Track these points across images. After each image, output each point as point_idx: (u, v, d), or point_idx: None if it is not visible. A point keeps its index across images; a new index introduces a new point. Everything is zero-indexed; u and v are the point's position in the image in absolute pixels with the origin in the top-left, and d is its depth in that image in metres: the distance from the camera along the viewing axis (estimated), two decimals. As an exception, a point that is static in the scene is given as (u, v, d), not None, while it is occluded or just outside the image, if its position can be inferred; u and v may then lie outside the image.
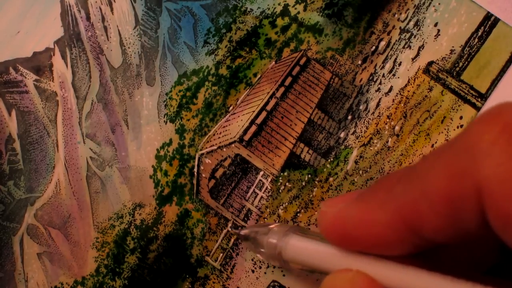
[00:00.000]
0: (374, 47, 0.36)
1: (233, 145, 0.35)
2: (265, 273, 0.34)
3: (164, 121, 0.35)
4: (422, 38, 0.35)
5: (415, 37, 0.35)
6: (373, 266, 0.20)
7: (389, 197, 0.18)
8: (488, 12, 0.35)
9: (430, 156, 0.18)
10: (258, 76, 0.36)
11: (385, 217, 0.18)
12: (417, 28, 0.35)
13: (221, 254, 0.34)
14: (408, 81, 0.35)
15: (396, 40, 0.35)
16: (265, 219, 0.34)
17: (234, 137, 0.35)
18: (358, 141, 0.35)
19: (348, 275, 0.20)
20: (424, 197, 0.17)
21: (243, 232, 0.31)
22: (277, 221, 0.34)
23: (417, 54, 0.35)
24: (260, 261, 0.34)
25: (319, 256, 0.23)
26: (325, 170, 0.35)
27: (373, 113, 0.35)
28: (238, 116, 0.35)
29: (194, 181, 0.35)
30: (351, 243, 0.20)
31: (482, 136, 0.16)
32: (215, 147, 0.35)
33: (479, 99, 0.35)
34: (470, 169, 0.16)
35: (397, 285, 0.20)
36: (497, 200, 0.15)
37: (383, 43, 0.36)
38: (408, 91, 0.35)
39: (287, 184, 0.35)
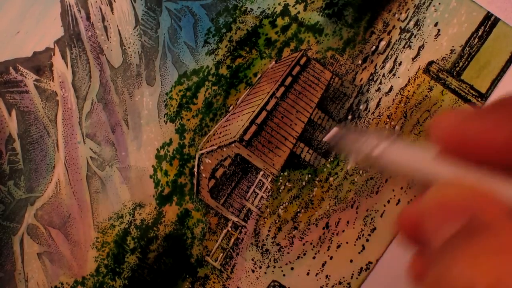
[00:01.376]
0: (374, 47, 0.36)
1: (233, 145, 0.35)
2: (265, 273, 0.34)
3: (164, 121, 0.35)
4: (422, 38, 0.35)
5: (415, 37, 0.35)
6: (485, 178, 0.20)
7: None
8: (488, 12, 0.35)
9: None
10: (258, 76, 0.36)
11: (505, 135, 0.18)
12: (417, 28, 0.35)
13: (221, 254, 0.34)
14: (408, 81, 0.35)
15: (396, 40, 0.35)
16: (265, 219, 0.34)
17: (234, 137, 0.35)
18: (358, 141, 0.35)
19: (461, 185, 0.19)
20: None
21: (333, 135, 0.30)
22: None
23: (417, 54, 0.35)
24: (260, 261, 0.34)
25: (423, 163, 0.23)
26: (325, 170, 0.35)
27: (373, 113, 0.35)
28: (238, 116, 0.35)
29: (194, 181, 0.35)
30: (466, 154, 0.20)
31: None
32: (215, 147, 0.35)
33: (479, 99, 0.34)
34: None
35: None
36: None
37: (383, 43, 0.35)
38: (408, 91, 0.35)
39: (287, 184, 0.35)
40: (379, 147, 0.25)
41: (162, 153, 0.35)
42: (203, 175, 0.35)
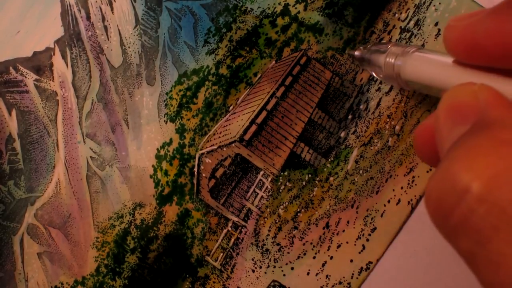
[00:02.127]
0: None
1: (233, 144, 0.35)
2: (265, 273, 0.34)
3: (165, 120, 0.35)
4: (423, 38, 0.35)
5: (415, 36, 0.35)
6: (498, 80, 0.20)
7: None
8: (489, 12, 0.35)
9: None
10: (259, 75, 0.36)
11: None
12: (417, 27, 0.35)
13: (221, 254, 0.34)
14: (409, 81, 0.35)
15: (396, 40, 0.35)
16: (265, 219, 0.34)
17: (235, 136, 0.35)
18: (359, 141, 0.35)
19: (472, 87, 0.19)
20: None
21: (358, 53, 0.30)
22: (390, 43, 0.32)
23: (418, 54, 0.35)
24: (260, 261, 0.34)
25: (439, 73, 0.22)
26: (325, 169, 0.35)
27: (374, 112, 0.35)
28: (239, 116, 0.35)
29: (194, 181, 0.35)
30: (478, 56, 0.20)
31: None
32: (215, 147, 0.35)
33: (480, 99, 0.34)
34: None
35: None
36: None
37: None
38: (409, 90, 0.35)
39: (287, 183, 0.34)
40: (399, 58, 0.25)
41: (162, 153, 0.35)
42: (203, 175, 0.35)
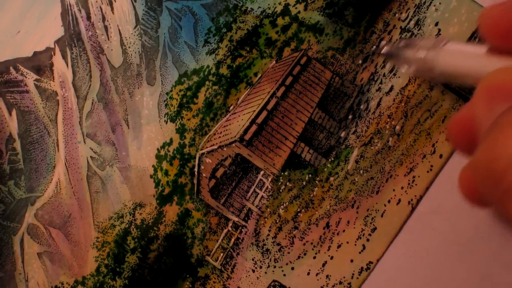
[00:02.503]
0: (374, 47, 0.35)
1: (233, 144, 0.35)
2: (265, 273, 0.34)
3: (165, 120, 0.35)
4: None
5: (415, 36, 0.35)
6: None
7: None
8: (489, 12, 0.35)
9: None
10: (259, 75, 0.36)
11: None
12: (417, 27, 0.35)
13: (221, 254, 0.34)
14: (409, 81, 0.35)
15: (396, 40, 0.35)
16: (266, 219, 0.34)
17: (235, 136, 0.35)
18: (359, 141, 0.35)
19: (510, 69, 0.19)
20: None
21: (385, 50, 0.29)
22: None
23: (418, 54, 0.35)
24: (260, 261, 0.34)
25: (475, 62, 0.22)
26: (325, 169, 0.35)
27: (374, 112, 0.35)
28: (239, 116, 0.35)
29: (195, 181, 0.35)
30: None
31: None
32: (215, 147, 0.35)
33: (480, 99, 0.34)
34: None
35: None
36: None
37: (383, 43, 0.35)
38: (409, 90, 0.35)
39: (287, 183, 0.34)
40: (430, 53, 0.25)
41: (162, 152, 0.35)
42: (204, 175, 0.35)
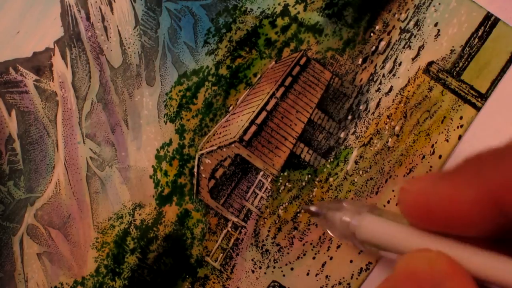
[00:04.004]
0: (374, 47, 0.36)
1: (233, 145, 0.35)
2: (265, 273, 0.34)
3: (164, 121, 0.35)
4: (422, 38, 0.35)
5: (415, 37, 0.35)
6: (453, 247, 0.20)
7: (479, 175, 0.18)
8: (488, 12, 0.35)
9: None
10: (258, 76, 0.36)
11: (474, 194, 0.18)
12: (417, 28, 0.35)
13: (221, 254, 0.34)
14: (408, 81, 0.35)
15: (396, 40, 0.35)
16: (265, 219, 0.34)
17: (234, 137, 0.35)
18: (358, 141, 0.35)
19: (428, 254, 0.19)
20: None
21: (314, 208, 0.30)
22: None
23: (417, 54, 0.35)
24: (260, 261, 0.34)
25: (395, 236, 0.22)
26: (325, 170, 0.35)
27: (373, 113, 0.35)
28: (238, 116, 0.35)
29: (194, 181, 0.35)
30: (434, 223, 0.20)
31: None
32: (215, 147, 0.35)
33: (479, 99, 0.34)
34: None
35: (478, 268, 0.19)
36: None
37: (383, 43, 0.35)
38: (408, 91, 0.35)
39: (287, 184, 0.35)
40: (355, 218, 0.25)
41: (162, 153, 0.35)
42: (203, 175, 0.35)
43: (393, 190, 0.34)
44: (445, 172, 0.20)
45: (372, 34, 0.36)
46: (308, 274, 0.34)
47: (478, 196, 0.18)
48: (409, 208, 0.21)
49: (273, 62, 0.36)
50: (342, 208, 0.27)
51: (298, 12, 0.36)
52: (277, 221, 0.34)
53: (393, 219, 0.23)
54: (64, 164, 0.35)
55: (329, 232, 0.30)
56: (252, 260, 0.34)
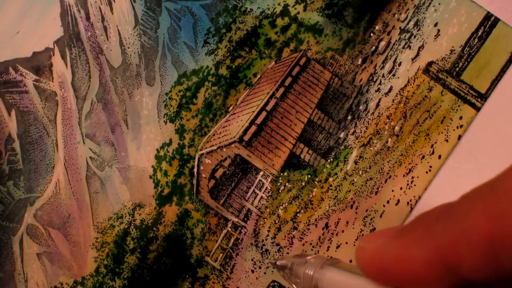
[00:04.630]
0: (374, 47, 0.36)
1: (233, 145, 0.35)
2: (264, 273, 0.34)
3: (164, 121, 0.35)
4: (422, 38, 0.35)
5: (415, 37, 0.35)
6: None
7: (428, 235, 0.19)
8: (488, 12, 0.35)
9: (470, 195, 0.18)
10: (258, 76, 0.36)
11: (423, 254, 0.18)
12: (417, 28, 0.35)
13: (221, 254, 0.34)
14: (408, 81, 0.35)
15: (396, 40, 0.35)
16: (265, 219, 0.34)
17: (234, 137, 0.35)
18: (358, 141, 0.35)
19: None
20: (463, 237, 0.17)
21: (279, 262, 0.31)
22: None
23: (417, 54, 0.35)
24: (260, 261, 0.34)
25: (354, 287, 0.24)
26: (324, 170, 0.35)
27: (373, 113, 0.35)
28: (238, 116, 0.35)
29: (194, 181, 0.35)
30: (389, 279, 0.21)
31: None
32: (215, 147, 0.35)
33: (479, 99, 0.35)
34: (510, 211, 0.16)
35: None
36: None
37: (383, 43, 0.35)
38: (408, 91, 0.35)
39: (286, 184, 0.35)
40: (318, 272, 0.26)
41: (161, 153, 0.35)
42: (203, 175, 0.35)
43: (392, 190, 0.34)
44: (399, 230, 0.21)
45: (372, 34, 0.36)
46: (307, 274, 0.34)
47: (427, 256, 0.19)
48: (365, 266, 0.22)
49: (273, 62, 0.36)
50: (306, 262, 0.28)
51: (298, 12, 0.36)
52: (277, 221, 0.34)
53: (353, 271, 0.25)
54: (64, 164, 0.35)
55: (293, 286, 0.31)
56: (252, 260, 0.34)
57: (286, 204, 0.34)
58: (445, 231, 0.18)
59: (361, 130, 0.35)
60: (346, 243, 0.34)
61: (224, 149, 0.35)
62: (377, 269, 0.21)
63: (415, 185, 0.34)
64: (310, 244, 0.34)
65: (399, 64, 0.35)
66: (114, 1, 0.36)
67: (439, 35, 0.35)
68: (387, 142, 0.34)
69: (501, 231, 0.16)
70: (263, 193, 0.35)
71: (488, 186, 0.18)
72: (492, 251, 0.17)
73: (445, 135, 0.34)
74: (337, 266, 0.26)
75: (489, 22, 0.35)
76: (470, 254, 0.17)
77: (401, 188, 0.34)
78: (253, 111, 0.35)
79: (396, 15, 0.36)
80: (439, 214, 0.19)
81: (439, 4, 0.35)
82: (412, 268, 0.19)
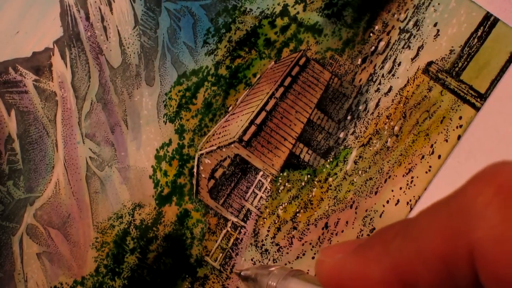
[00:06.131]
0: (373, 47, 0.36)
1: (232, 145, 0.35)
2: (264, 273, 0.34)
3: (164, 121, 0.35)
4: (422, 38, 0.35)
5: (414, 37, 0.35)
6: None
7: (385, 253, 0.19)
8: (488, 12, 0.35)
9: (427, 212, 0.18)
10: (258, 76, 0.36)
11: (380, 273, 0.19)
12: (416, 28, 0.35)
13: (220, 254, 0.34)
14: (408, 81, 0.35)
15: (395, 40, 0.35)
16: (265, 219, 0.34)
17: (234, 137, 0.35)
18: (358, 141, 0.35)
19: None
20: (418, 256, 0.17)
21: (244, 273, 0.31)
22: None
23: (417, 54, 0.35)
24: (259, 261, 0.34)
25: None
26: (324, 170, 0.35)
27: (373, 113, 0.35)
28: (238, 116, 0.35)
29: (194, 181, 0.35)
30: None
31: (476, 198, 0.16)
32: (214, 147, 0.35)
33: (479, 99, 0.35)
34: (464, 231, 0.16)
35: None
36: (488, 262, 0.16)
37: (382, 43, 0.36)
38: (408, 91, 0.35)
39: (286, 184, 0.35)
40: (281, 283, 0.26)
41: (161, 153, 0.35)
42: (203, 175, 0.35)
43: (392, 190, 0.34)
44: (358, 245, 0.21)
45: (371, 34, 0.36)
46: (307, 273, 0.34)
47: (384, 274, 0.19)
48: (323, 280, 0.22)
49: (273, 62, 0.36)
50: (270, 273, 0.29)
51: (298, 12, 0.36)
52: (276, 221, 0.34)
53: (316, 283, 0.25)
54: (64, 164, 0.35)
55: None
56: (252, 260, 0.34)
57: (286, 204, 0.34)
58: (401, 250, 0.18)
59: (360, 130, 0.35)
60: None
61: (224, 149, 0.35)
62: (336, 284, 0.21)
63: (414, 185, 0.34)
64: (310, 244, 0.34)
65: (399, 64, 0.35)
66: (114, 1, 0.36)
67: (439, 35, 0.35)
68: (386, 142, 0.35)
69: (454, 251, 0.17)
70: (262, 193, 0.35)
71: (443, 203, 0.18)
72: (446, 269, 0.17)
73: (445, 135, 0.34)
74: (299, 278, 0.26)
75: (488, 22, 0.35)
76: (426, 273, 0.17)
77: (400, 188, 0.34)
78: (253, 111, 0.35)
79: (395, 15, 0.36)
80: (397, 231, 0.19)
81: (438, 4, 0.35)
82: (369, 286, 0.19)
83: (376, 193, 0.34)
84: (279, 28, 0.36)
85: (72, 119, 0.36)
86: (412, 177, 0.34)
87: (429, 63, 0.35)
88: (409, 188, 0.34)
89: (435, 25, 0.35)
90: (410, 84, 0.35)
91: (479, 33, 0.35)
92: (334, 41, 0.36)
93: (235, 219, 0.35)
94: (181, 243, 0.34)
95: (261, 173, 0.35)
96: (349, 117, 0.35)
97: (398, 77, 0.35)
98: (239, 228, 0.34)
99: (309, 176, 0.35)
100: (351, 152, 0.35)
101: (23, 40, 0.36)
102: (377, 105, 0.35)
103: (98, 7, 0.36)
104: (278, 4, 0.36)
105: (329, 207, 0.34)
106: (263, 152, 0.35)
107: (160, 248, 0.34)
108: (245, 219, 0.34)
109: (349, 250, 0.21)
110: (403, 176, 0.34)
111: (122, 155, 0.35)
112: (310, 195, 0.34)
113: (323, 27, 0.36)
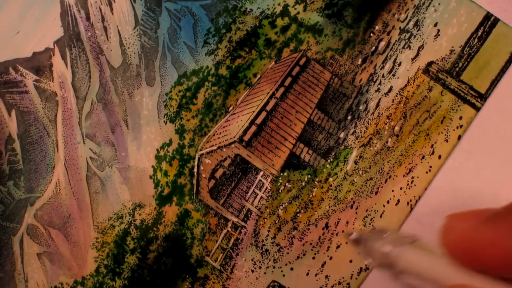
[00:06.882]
0: (373, 47, 0.36)
1: (233, 145, 0.35)
2: (265, 273, 0.34)
3: (164, 121, 0.35)
4: (422, 38, 0.35)
5: (414, 37, 0.35)
6: (490, 286, 0.20)
7: None
8: (488, 12, 0.35)
9: None
10: (258, 76, 0.36)
11: None
12: (416, 28, 0.35)
13: (221, 254, 0.34)
14: (408, 81, 0.35)
15: (395, 40, 0.35)
16: (265, 219, 0.34)
17: (234, 137, 0.35)
18: (358, 141, 0.35)
19: None
20: None
21: (354, 236, 0.31)
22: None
23: (417, 54, 0.35)
24: (259, 261, 0.34)
25: (435, 268, 0.23)
26: (324, 170, 0.35)
27: (373, 113, 0.35)
28: (238, 116, 0.35)
29: (194, 181, 0.35)
30: (475, 263, 0.20)
31: None
32: (215, 147, 0.35)
33: (479, 99, 0.35)
34: None
35: None
36: None
37: (382, 43, 0.36)
38: (408, 91, 0.35)
39: (286, 184, 0.35)
40: (395, 250, 0.26)
41: (161, 153, 0.35)
42: (203, 175, 0.35)
43: (392, 190, 0.34)
44: (489, 216, 0.20)
45: (371, 34, 0.36)
46: (307, 274, 0.34)
47: None
48: (453, 247, 0.21)
49: (273, 62, 0.36)
50: (382, 239, 0.28)
51: (298, 12, 0.36)
52: (276, 221, 0.34)
53: (434, 252, 0.24)
54: (64, 164, 0.35)
55: (366, 261, 0.31)
56: (252, 260, 0.34)
57: (286, 204, 0.34)
58: None
59: (361, 130, 0.35)
60: (346, 243, 0.34)
61: (224, 149, 0.35)
62: (465, 251, 0.20)
63: (415, 185, 0.34)
64: (310, 244, 0.34)
65: (399, 64, 0.35)
66: (114, 1, 0.36)
67: (439, 35, 0.35)
68: (387, 142, 0.35)
69: None
70: (263, 193, 0.35)
71: None
72: None
73: (445, 135, 0.34)
74: (415, 246, 0.26)
75: (489, 22, 0.35)
76: None
77: (401, 188, 0.34)
78: (253, 111, 0.35)
79: (396, 15, 0.36)
80: None
81: (439, 4, 0.35)
82: (502, 254, 0.19)
83: (376, 193, 0.34)
84: (280, 28, 0.36)
85: (72, 119, 0.36)
86: (413, 177, 0.34)
87: (430, 63, 0.35)
88: (409, 188, 0.34)
89: (435, 25, 0.35)
90: (411, 84, 0.35)
91: (479, 33, 0.35)
92: (335, 41, 0.36)
93: (235, 219, 0.35)
94: (181, 243, 0.34)
95: (261, 173, 0.35)
96: (349, 117, 0.35)
97: (398, 77, 0.35)
98: (239, 228, 0.34)
99: (309, 176, 0.35)
100: (352, 152, 0.35)
101: (23, 40, 0.36)
102: (377, 105, 0.35)
103: (99, 7, 0.36)
104: (279, 4, 0.36)
105: (329, 207, 0.34)
106: (263, 152, 0.35)
107: (160, 248, 0.34)
108: (245, 219, 0.34)
109: (482, 218, 0.20)
110: (404, 176, 0.34)
111: (122, 155, 0.35)
112: (311, 195, 0.34)
113: (324, 27, 0.36)
